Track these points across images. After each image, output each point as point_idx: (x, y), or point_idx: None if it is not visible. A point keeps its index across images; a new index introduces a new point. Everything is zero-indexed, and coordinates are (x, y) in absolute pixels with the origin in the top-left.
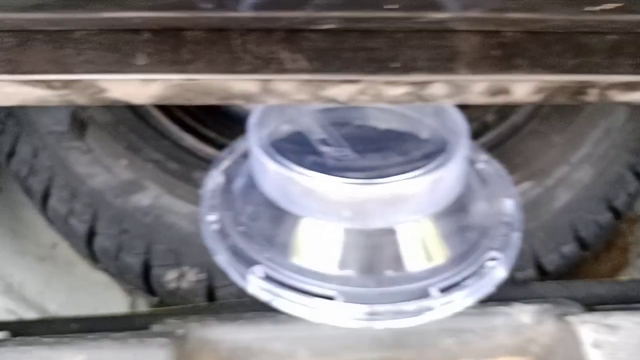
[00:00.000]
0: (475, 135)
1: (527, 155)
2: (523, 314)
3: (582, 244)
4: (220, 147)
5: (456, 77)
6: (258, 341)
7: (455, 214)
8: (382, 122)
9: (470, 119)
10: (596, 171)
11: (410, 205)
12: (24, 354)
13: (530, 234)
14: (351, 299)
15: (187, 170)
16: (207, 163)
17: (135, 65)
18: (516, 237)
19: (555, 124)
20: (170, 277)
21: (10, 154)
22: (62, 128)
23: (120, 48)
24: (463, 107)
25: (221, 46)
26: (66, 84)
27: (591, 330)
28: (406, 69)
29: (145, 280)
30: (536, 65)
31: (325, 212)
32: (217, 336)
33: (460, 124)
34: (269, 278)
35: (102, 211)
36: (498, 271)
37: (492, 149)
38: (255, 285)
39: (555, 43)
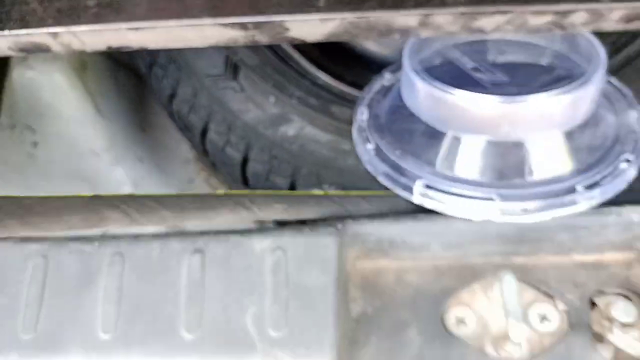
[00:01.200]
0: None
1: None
2: (633, 213)
3: None
4: (351, 84)
5: (596, 6)
6: (399, 235)
7: (592, 126)
8: (519, 55)
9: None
10: None
11: (555, 119)
12: None
13: None
14: (507, 198)
15: (325, 105)
16: (340, 98)
17: (317, 7)
18: None
19: None
20: None
21: (172, 96)
22: (217, 71)
23: None
24: None
25: None
26: (257, 25)
27: None
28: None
29: None
30: None
31: (477, 128)
32: (366, 230)
33: (596, 49)
34: (429, 187)
35: (254, 141)
36: (630, 171)
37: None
38: (419, 195)
39: None
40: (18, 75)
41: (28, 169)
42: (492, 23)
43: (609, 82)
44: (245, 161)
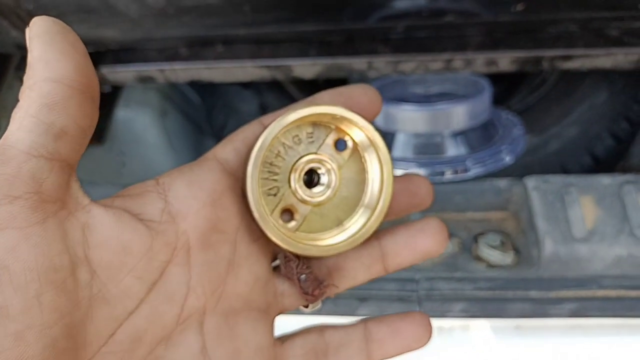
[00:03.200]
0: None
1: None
2: (501, 182)
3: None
4: None
5: (466, 56)
6: None
7: (485, 129)
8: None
9: (502, 103)
10: (580, 129)
11: (455, 119)
12: None
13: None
14: (422, 165)
15: None
16: None
17: (309, 56)
18: (520, 145)
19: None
20: None
21: (223, 127)
22: (254, 111)
23: (302, 48)
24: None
25: (349, 47)
26: (276, 67)
27: (532, 182)
28: (440, 51)
29: None
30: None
31: (407, 127)
32: None
33: (485, 84)
34: None
35: None
36: (507, 158)
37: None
38: None
39: None
40: (121, 114)
41: (116, 182)
42: (409, 67)
43: (507, 115)
44: None
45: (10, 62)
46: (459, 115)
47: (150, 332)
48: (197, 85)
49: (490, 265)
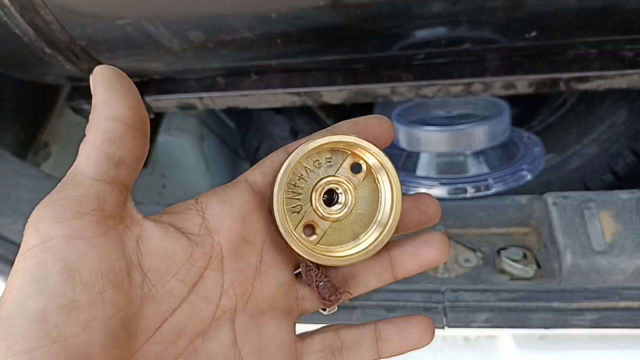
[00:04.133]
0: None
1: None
2: (522, 199)
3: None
4: None
5: (484, 79)
6: None
7: (506, 148)
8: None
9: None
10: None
11: (477, 140)
12: None
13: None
14: (444, 183)
15: None
16: None
17: (336, 83)
18: (540, 163)
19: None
20: None
21: (257, 150)
22: (285, 134)
23: (330, 76)
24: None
25: (373, 74)
26: (306, 94)
27: (552, 197)
28: (459, 76)
29: None
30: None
31: (434, 147)
32: None
33: (503, 105)
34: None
35: None
36: (527, 176)
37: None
38: None
39: None
40: (162, 139)
41: (158, 202)
42: (430, 91)
43: (528, 135)
44: None
45: (61, 93)
46: (480, 136)
47: (190, 326)
48: (232, 112)
49: (513, 278)
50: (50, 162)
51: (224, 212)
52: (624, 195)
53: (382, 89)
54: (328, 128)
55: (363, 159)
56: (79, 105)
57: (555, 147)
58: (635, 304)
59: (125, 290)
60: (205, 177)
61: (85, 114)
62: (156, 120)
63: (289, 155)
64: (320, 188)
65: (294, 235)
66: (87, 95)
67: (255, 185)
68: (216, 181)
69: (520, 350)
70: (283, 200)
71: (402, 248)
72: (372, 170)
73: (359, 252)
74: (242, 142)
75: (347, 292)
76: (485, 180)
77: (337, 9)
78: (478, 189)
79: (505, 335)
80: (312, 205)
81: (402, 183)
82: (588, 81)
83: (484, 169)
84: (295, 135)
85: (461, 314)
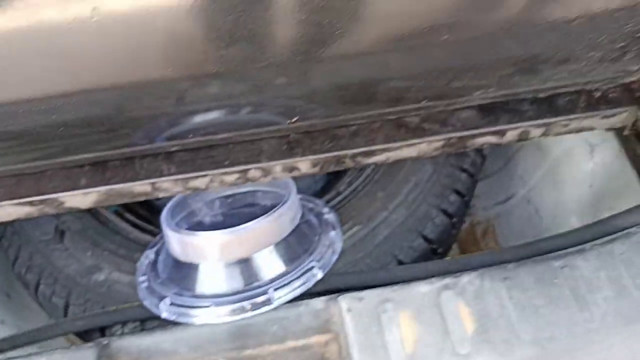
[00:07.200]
0: (328, 198)
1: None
2: (318, 303)
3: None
4: (155, 235)
5: (262, 165)
6: (154, 344)
7: (291, 242)
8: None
9: (327, 190)
10: (408, 211)
11: (260, 240)
12: None
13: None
14: (220, 304)
15: (130, 253)
16: (144, 246)
17: (78, 185)
18: (331, 255)
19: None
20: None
21: (15, 259)
22: (48, 236)
23: (71, 176)
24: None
25: (128, 167)
26: (42, 202)
27: (346, 302)
28: (233, 163)
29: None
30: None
31: (206, 257)
32: (128, 343)
33: (290, 188)
34: (173, 304)
35: (73, 289)
36: (317, 275)
37: (339, 205)
38: (164, 310)
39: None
40: None
41: None
42: (202, 183)
43: (325, 213)
44: (67, 306)
45: None
46: (264, 233)
47: None
48: None
49: None
50: None
51: None
52: (423, 288)
53: (140, 186)
54: None
55: None
56: None
57: (360, 218)
58: None
59: None
60: None
61: None
62: None
63: None
64: None
65: None
66: None
67: None
68: None
69: None
70: None
71: None
72: None
73: None
74: (1, 249)
75: None
76: (265, 293)
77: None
78: (257, 306)
79: None
80: None
81: None
82: (375, 155)
83: (277, 267)
84: (62, 236)
85: None
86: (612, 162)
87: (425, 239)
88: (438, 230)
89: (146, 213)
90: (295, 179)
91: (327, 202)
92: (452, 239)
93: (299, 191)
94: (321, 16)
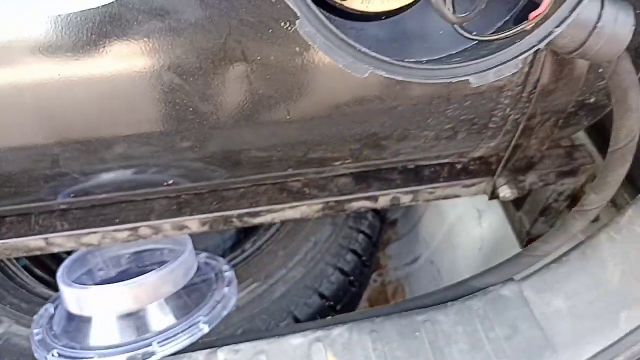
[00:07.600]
0: (234, 256)
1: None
2: (199, 354)
3: (296, 320)
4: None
5: (152, 223)
6: None
7: (187, 296)
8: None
9: (235, 248)
10: (306, 269)
11: (151, 293)
12: None
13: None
14: (105, 355)
15: (32, 307)
16: (46, 300)
17: None
18: (221, 310)
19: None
20: None
21: None
22: None
23: None
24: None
25: (24, 223)
26: None
27: (223, 354)
28: (123, 221)
29: None
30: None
31: (98, 310)
32: None
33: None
34: (61, 356)
35: None
36: (204, 329)
37: (244, 263)
38: None
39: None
40: None
41: None
42: (94, 239)
43: (228, 270)
44: None
45: None
46: (155, 287)
47: None
48: None
49: None
50: None
51: None
52: (296, 340)
53: (35, 241)
54: None
55: None
56: None
57: (260, 275)
58: None
59: None
60: None
61: None
62: None
63: None
64: None
65: None
66: None
67: None
68: None
69: None
70: None
71: None
72: None
73: None
74: None
75: None
76: (150, 345)
77: None
78: (140, 358)
79: None
80: None
81: None
82: (260, 215)
83: (167, 321)
84: None
85: None
86: (499, 227)
87: (322, 295)
88: (334, 287)
89: (56, 267)
90: (205, 237)
91: (233, 259)
92: (353, 298)
93: (209, 249)
94: (176, 98)
